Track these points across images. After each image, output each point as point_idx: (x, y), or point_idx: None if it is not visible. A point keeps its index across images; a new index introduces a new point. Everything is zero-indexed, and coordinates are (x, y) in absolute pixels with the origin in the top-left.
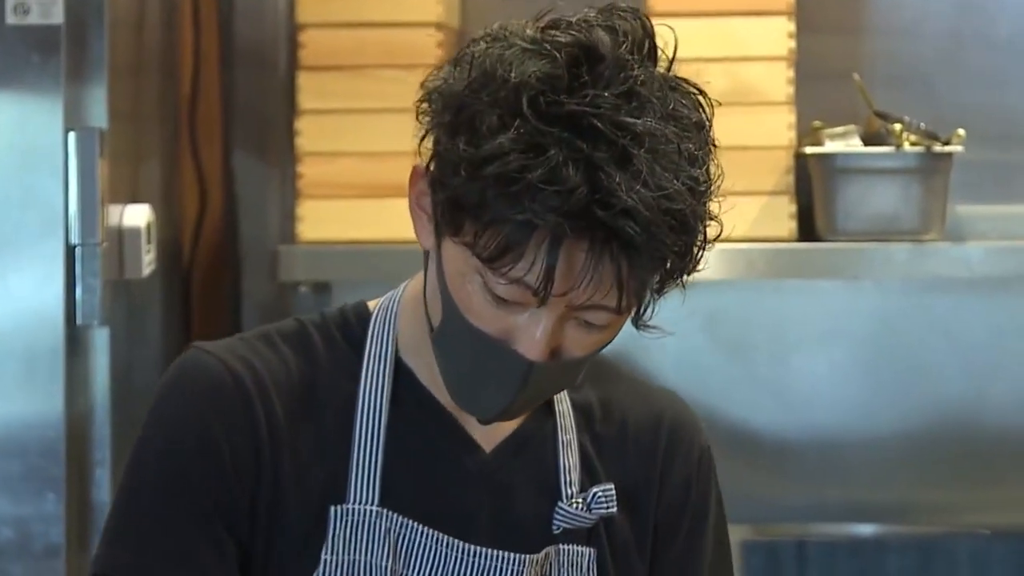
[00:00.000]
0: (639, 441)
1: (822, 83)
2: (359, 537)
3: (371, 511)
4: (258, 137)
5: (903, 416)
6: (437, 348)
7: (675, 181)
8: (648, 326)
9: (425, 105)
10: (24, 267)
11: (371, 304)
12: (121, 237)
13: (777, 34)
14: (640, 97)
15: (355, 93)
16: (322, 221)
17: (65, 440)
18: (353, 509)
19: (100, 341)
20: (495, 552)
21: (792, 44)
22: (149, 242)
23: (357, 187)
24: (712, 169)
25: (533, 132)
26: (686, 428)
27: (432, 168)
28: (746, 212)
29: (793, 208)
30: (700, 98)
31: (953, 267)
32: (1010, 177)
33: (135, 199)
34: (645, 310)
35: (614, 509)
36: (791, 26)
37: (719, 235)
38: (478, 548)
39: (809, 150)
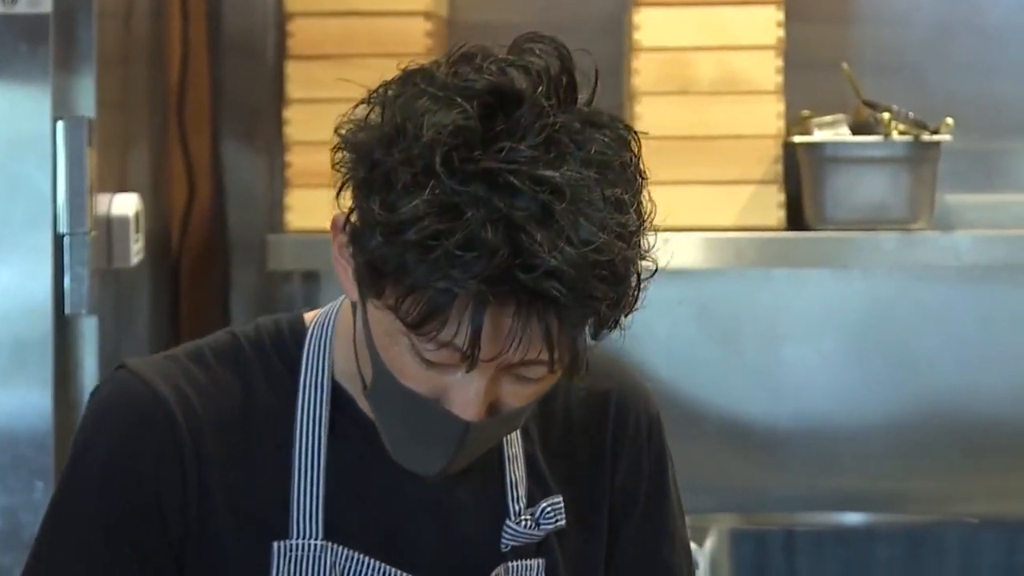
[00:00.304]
0: (586, 423)
1: (811, 72)
2: (304, 573)
3: (315, 545)
4: (247, 126)
5: (892, 405)
6: (371, 405)
7: (601, 233)
8: (584, 376)
9: (340, 153)
10: (12, 256)
11: (308, 317)
12: (109, 226)
13: (766, 23)
14: (559, 145)
15: (344, 82)
16: (311, 210)
17: (53, 429)
18: (297, 544)
19: (88, 330)
20: None
21: (781, 33)
22: (137, 231)
23: None
24: (644, 203)
25: (449, 192)
26: (633, 399)
27: (351, 223)
28: (735, 201)
29: (782, 197)
30: (623, 131)
31: (942, 256)
32: (999, 166)
33: (123, 188)
34: (582, 360)
35: (563, 522)
36: (780, 15)
37: (655, 271)
38: None
39: (798, 139)
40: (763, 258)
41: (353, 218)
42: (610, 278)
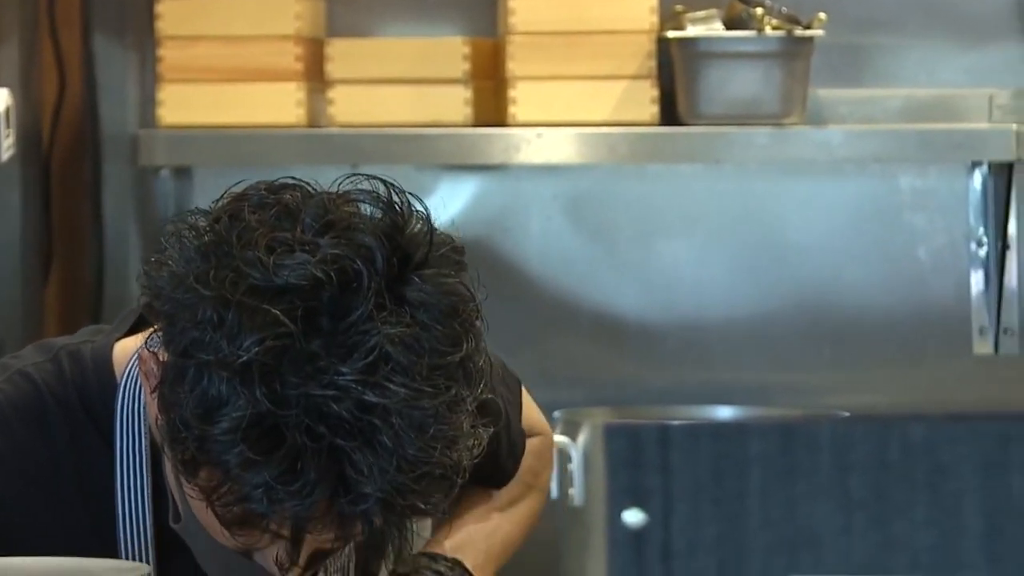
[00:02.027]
0: None
1: None
2: None
3: None
4: (118, 20)
5: (764, 299)
6: (185, 539)
7: (431, 446)
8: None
9: (146, 297)
10: None
11: (116, 358)
12: None
13: None
14: (388, 360)
15: None
16: (182, 105)
17: None
18: None
19: None
20: None
21: None
22: (8, 126)
23: (218, 71)
24: (477, 368)
25: (268, 415)
26: None
27: (160, 393)
28: (608, 96)
29: (655, 92)
30: (459, 301)
31: (814, 150)
32: (870, 61)
33: None
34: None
35: None
36: None
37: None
38: None
39: (671, 34)
40: (636, 153)
41: (161, 382)
42: (442, 484)
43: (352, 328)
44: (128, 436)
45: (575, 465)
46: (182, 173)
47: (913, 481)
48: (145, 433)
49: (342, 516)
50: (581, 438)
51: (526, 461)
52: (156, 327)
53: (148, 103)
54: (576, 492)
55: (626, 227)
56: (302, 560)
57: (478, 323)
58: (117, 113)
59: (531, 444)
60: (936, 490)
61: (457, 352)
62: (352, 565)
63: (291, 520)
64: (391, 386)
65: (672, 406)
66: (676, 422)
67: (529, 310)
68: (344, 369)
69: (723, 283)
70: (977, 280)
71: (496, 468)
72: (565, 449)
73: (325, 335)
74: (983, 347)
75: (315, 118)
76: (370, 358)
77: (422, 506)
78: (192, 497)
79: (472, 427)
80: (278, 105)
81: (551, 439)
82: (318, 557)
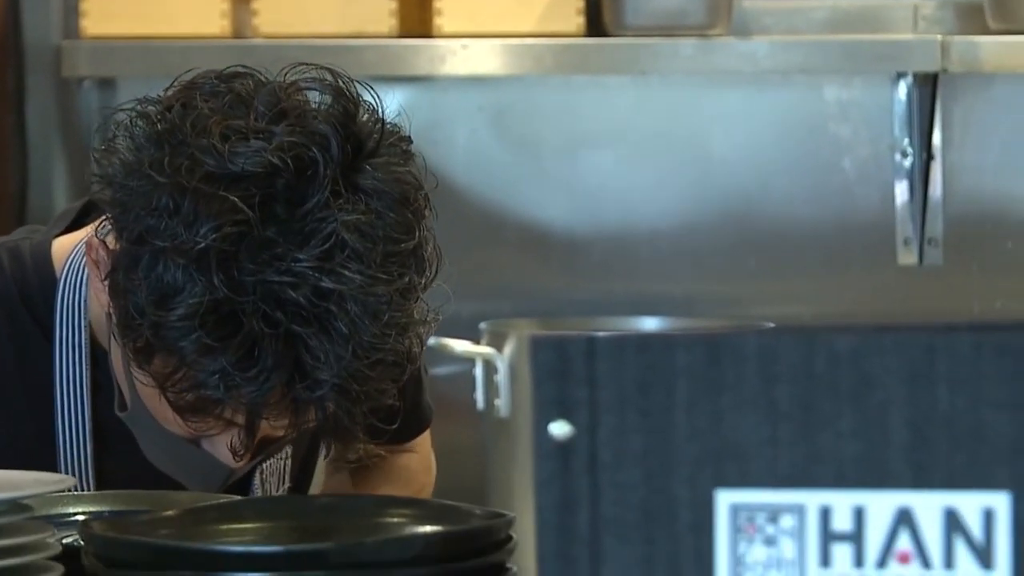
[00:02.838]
0: None
1: None
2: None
3: None
4: None
5: (689, 210)
6: (131, 428)
7: (385, 332)
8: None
9: (97, 185)
10: None
11: (56, 254)
12: None
13: None
14: (343, 247)
15: None
16: (106, 16)
17: None
18: None
19: None
20: None
21: None
22: None
23: None
24: (427, 256)
25: (225, 302)
26: None
27: (113, 278)
28: (534, 7)
29: (581, 3)
30: (410, 189)
31: (739, 62)
32: None
33: None
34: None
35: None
36: None
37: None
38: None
39: None
40: (562, 65)
41: (114, 268)
42: (394, 370)
43: (308, 215)
44: (67, 329)
45: (501, 376)
46: (106, 84)
47: (839, 392)
48: (85, 327)
49: (297, 402)
50: (507, 349)
51: (426, 462)
52: (106, 216)
53: (72, 13)
54: (502, 403)
55: (552, 139)
56: (248, 456)
57: (427, 213)
58: (40, 24)
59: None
60: (862, 401)
61: (410, 240)
62: (288, 471)
63: (246, 407)
64: (347, 272)
65: (598, 317)
66: (602, 334)
67: (455, 222)
68: (301, 256)
69: (649, 194)
70: (902, 191)
71: (417, 408)
72: (491, 360)
73: (281, 222)
74: (907, 257)
75: (240, 29)
76: (326, 245)
77: (375, 393)
78: (144, 384)
79: (421, 315)
80: (202, 15)
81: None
82: (265, 444)
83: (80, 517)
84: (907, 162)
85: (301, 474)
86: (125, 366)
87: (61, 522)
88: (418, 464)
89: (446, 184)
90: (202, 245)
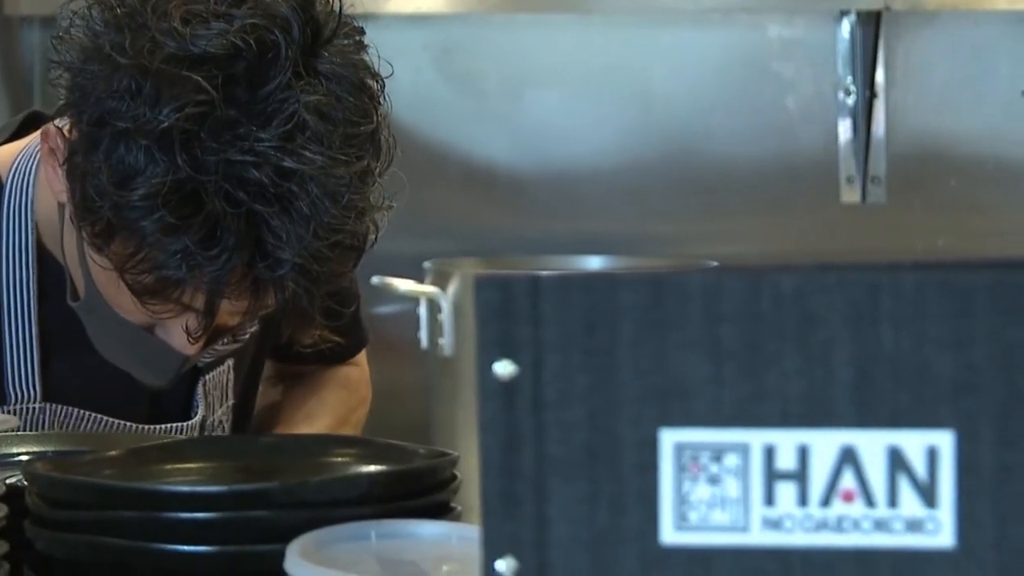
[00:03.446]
0: None
1: None
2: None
3: (35, 408)
4: None
5: (633, 149)
6: (83, 319)
7: (345, 215)
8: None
9: (55, 72)
10: None
11: (2, 157)
12: None
13: None
14: (304, 128)
15: None
16: None
17: None
18: (15, 409)
19: None
20: (161, 427)
21: None
22: None
23: None
24: (382, 144)
25: (187, 181)
26: None
27: (70, 163)
28: None
29: None
30: (368, 76)
31: (682, 0)
32: None
33: None
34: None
35: (256, 327)
36: None
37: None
38: (146, 427)
39: None
40: (505, 3)
41: (72, 153)
42: (352, 254)
43: (270, 96)
44: (13, 232)
45: (445, 316)
46: (48, 22)
47: (783, 332)
48: (31, 229)
49: (257, 283)
50: (451, 289)
51: (365, 375)
52: (63, 103)
53: None
54: (446, 343)
55: (496, 77)
56: (204, 337)
57: (382, 100)
58: None
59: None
60: (806, 340)
61: (368, 123)
62: (230, 386)
63: (207, 287)
64: (308, 153)
65: (542, 256)
66: (546, 273)
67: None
68: (263, 135)
69: (593, 133)
70: (845, 129)
71: (357, 325)
72: (435, 299)
73: (243, 103)
74: (851, 196)
75: None
76: (288, 126)
77: (333, 275)
78: (101, 268)
79: (377, 201)
80: None
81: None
82: (218, 333)
83: (23, 457)
84: (850, 100)
85: (244, 392)
86: (80, 253)
87: (4, 462)
88: (359, 375)
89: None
90: (164, 125)
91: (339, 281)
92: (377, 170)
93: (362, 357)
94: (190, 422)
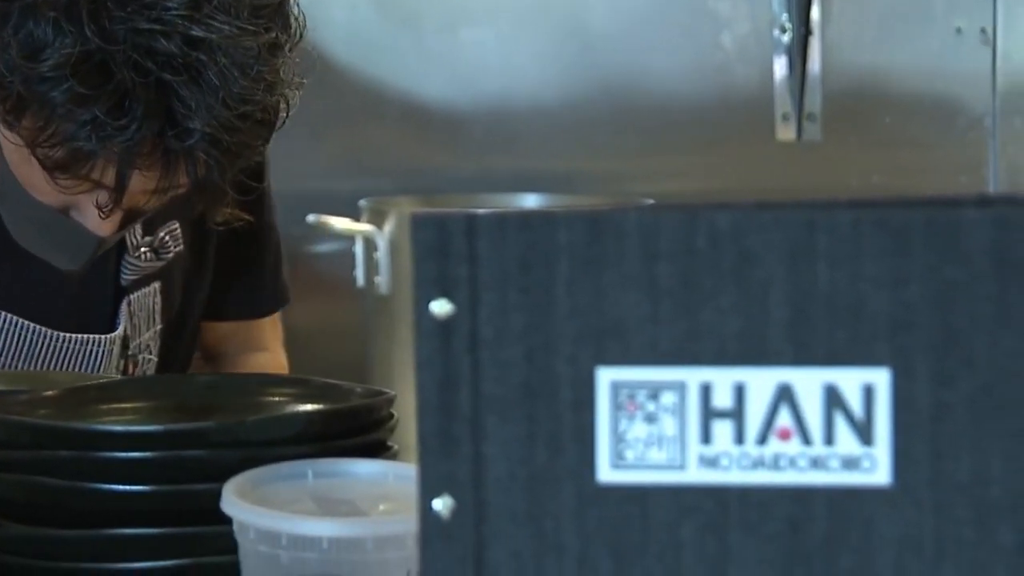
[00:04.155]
0: None
1: None
2: None
3: None
4: None
5: (570, 86)
6: None
7: (255, 87)
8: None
9: None
10: None
11: None
12: None
13: None
14: None
15: None
16: None
17: None
18: None
19: None
20: (78, 336)
21: None
22: None
23: None
24: (291, 19)
25: (96, 52)
26: None
27: None
28: None
29: None
30: None
31: None
32: None
33: None
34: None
35: (181, 247)
36: None
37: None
38: (64, 334)
39: None
40: None
41: None
42: (262, 128)
43: None
44: None
45: (381, 254)
46: None
47: (720, 269)
48: None
49: (168, 154)
50: (387, 227)
51: (280, 366)
52: None
53: None
54: (382, 281)
55: (432, 15)
56: (118, 217)
57: None
58: None
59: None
60: (742, 278)
61: None
62: (158, 310)
63: (117, 158)
64: (215, 22)
65: (479, 194)
66: (483, 211)
67: (335, 99)
68: (170, 4)
69: (529, 70)
70: (780, 66)
71: (277, 279)
72: (371, 238)
73: None
74: (786, 133)
75: None
76: None
77: (247, 147)
78: (13, 146)
79: (288, 76)
80: None
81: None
82: (131, 216)
83: None
84: (785, 38)
85: (176, 326)
86: None
87: None
88: (276, 365)
89: (326, 62)
90: None
91: (251, 155)
92: (287, 45)
93: (278, 345)
94: (111, 335)
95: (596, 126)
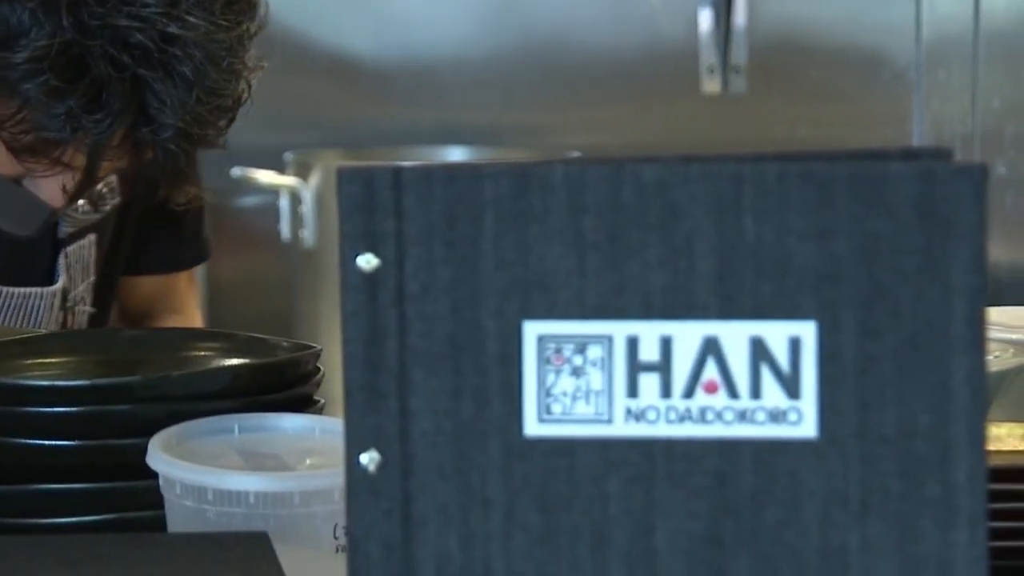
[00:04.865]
0: None
1: None
2: None
3: None
4: None
5: (496, 39)
6: None
7: (226, 79)
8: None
9: None
10: None
11: None
12: None
13: None
14: None
15: None
16: None
17: None
18: None
19: None
20: (19, 291)
21: None
22: None
23: None
24: (259, 5)
25: (73, 44)
26: None
27: None
28: None
29: None
30: None
31: None
32: None
33: None
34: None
35: (118, 199)
36: None
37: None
38: (4, 288)
39: None
40: None
41: None
42: (227, 114)
43: None
44: None
45: (306, 207)
46: None
47: (646, 223)
48: None
49: (137, 144)
50: (313, 180)
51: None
52: None
53: None
54: (308, 235)
55: None
56: (71, 188)
57: None
58: None
59: None
60: (669, 232)
61: None
62: (94, 262)
63: (89, 149)
64: (191, 19)
65: (405, 147)
66: (409, 164)
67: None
68: (148, 1)
69: (456, 23)
70: (706, 18)
71: (198, 234)
72: (296, 191)
73: None
74: (712, 86)
75: None
76: None
77: (213, 133)
78: None
79: (251, 61)
80: None
81: None
82: (88, 187)
83: None
84: None
85: (107, 275)
86: None
87: None
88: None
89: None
90: None
91: (216, 140)
92: (254, 30)
93: (194, 306)
94: (52, 288)
95: (522, 79)
